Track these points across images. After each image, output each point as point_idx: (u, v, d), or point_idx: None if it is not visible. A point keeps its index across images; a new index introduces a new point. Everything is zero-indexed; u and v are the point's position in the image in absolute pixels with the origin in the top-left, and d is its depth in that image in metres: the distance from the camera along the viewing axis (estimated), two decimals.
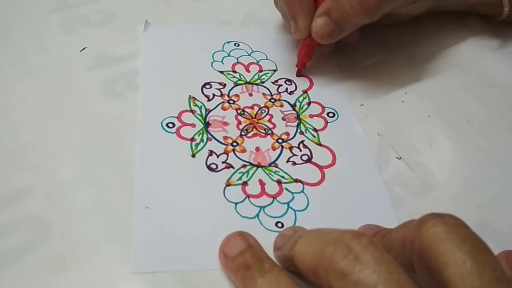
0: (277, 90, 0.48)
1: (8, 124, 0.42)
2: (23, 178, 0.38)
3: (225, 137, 0.43)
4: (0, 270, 0.33)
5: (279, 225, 0.38)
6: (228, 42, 0.52)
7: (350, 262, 0.25)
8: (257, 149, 0.42)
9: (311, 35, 0.46)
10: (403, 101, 0.49)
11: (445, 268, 0.25)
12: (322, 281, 0.27)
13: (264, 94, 0.47)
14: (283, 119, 0.45)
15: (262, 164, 0.41)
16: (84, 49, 0.49)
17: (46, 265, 0.34)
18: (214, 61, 0.49)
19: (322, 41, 0.46)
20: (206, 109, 0.45)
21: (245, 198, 0.39)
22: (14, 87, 0.45)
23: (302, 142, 0.44)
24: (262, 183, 0.40)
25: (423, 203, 0.41)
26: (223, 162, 0.41)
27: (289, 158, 0.42)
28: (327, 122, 0.46)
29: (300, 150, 0.43)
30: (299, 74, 0.50)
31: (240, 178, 0.40)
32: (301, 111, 0.46)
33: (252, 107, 0.46)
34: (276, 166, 0.41)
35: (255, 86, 0.48)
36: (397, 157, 0.43)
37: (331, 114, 0.46)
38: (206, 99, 0.46)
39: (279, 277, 0.30)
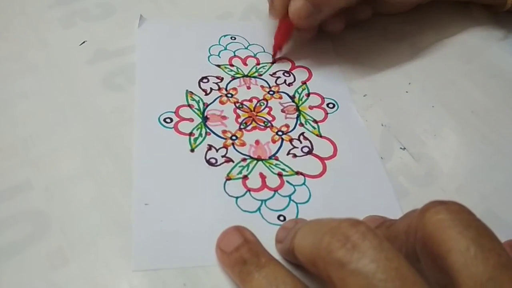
0: (276, 82, 0.47)
1: (8, 119, 0.42)
2: (23, 172, 0.38)
3: (224, 131, 0.42)
4: (0, 264, 0.33)
5: (281, 218, 0.37)
6: (225, 36, 0.51)
7: (348, 251, 0.24)
8: (257, 142, 0.42)
9: (288, 16, 0.45)
10: (407, 92, 0.48)
11: (448, 255, 0.25)
12: (321, 272, 0.26)
13: (262, 86, 0.47)
14: (283, 111, 0.45)
15: (262, 157, 0.41)
16: (84, 42, 0.49)
17: (46, 259, 0.34)
18: (211, 55, 0.49)
19: (300, 24, 0.45)
20: (204, 104, 0.44)
21: (246, 192, 0.38)
22: (14, 82, 0.45)
23: (302, 134, 0.43)
24: (262, 177, 0.39)
25: (428, 193, 0.40)
26: (222, 156, 0.40)
27: (290, 150, 0.42)
28: (327, 113, 0.45)
29: (301, 142, 0.42)
30: (274, 58, 0.49)
31: (240, 172, 0.40)
32: (300, 102, 0.46)
33: (250, 100, 0.45)
34: (277, 159, 0.41)
35: (253, 79, 0.47)
36: (401, 148, 0.43)
37: (331, 105, 0.46)
38: (204, 93, 0.45)
39: (276, 270, 0.30)
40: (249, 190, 0.39)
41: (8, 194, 0.37)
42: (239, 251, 0.32)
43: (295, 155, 0.41)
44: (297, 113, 0.45)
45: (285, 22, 0.47)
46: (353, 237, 0.25)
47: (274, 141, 0.42)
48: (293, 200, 0.38)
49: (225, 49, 0.50)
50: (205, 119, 0.43)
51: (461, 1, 0.57)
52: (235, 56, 0.49)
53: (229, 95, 0.45)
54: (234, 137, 0.42)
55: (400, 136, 0.44)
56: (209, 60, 0.48)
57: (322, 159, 0.41)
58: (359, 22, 0.51)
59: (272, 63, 0.49)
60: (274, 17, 0.47)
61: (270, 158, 0.41)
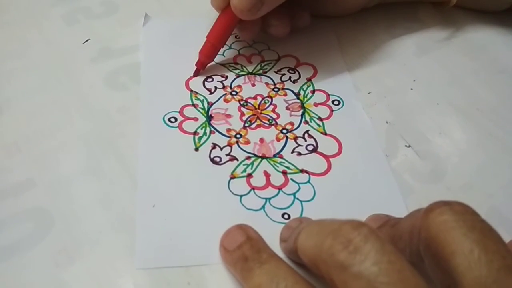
0: (280, 79, 0.47)
1: (12, 117, 0.42)
2: (26, 170, 0.38)
3: (228, 130, 0.42)
4: (4, 262, 0.33)
5: (286, 216, 0.37)
6: None
7: (350, 254, 0.24)
8: (261, 140, 0.42)
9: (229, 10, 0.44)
10: (411, 89, 0.48)
11: (452, 257, 0.25)
12: (323, 274, 0.26)
13: (267, 83, 0.46)
14: (287, 108, 0.44)
15: (267, 156, 0.41)
16: (87, 41, 0.49)
17: (50, 258, 0.34)
18: None
19: (243, 16, 0.43)
20: (208, 102, 0.44)
21: (250, 190, 0.38)
22: (17, 80, 0.45)
23: (307, 131, 0.43)
24: (267, 175, 0.39)
25: (433, 191, 0.40)
26: (227, 155, 0.40)
27: (294, 148, 0.41)
28: (332, 111, 0.45)
29: (305, 140, 0.42)
30: (195, 75, 0.47)
31: (244, 170, 0.39)
32: (305, 99, 0.45)
33: (255, 98, 0.45)
34: (281, 157, 0.41)
35: (257, 76, 0.47)
36: (406, 145, 0.43)
37: (336, 102, 0.45)
38: (208, 92, 0.45)
39: (277, 266, 0.30)
40: (253, 188, 0.38)
41: (11, 192, 0.37)
42: (241, 248, 0.32)
43: (299, 153, 0.41)
44: (302, 110, 0.44)
45: (226, 16, 0.45)
46: (355, 240, 0.24)
47: (278, 139, 0.42)
48: (297, 198, 0.38)
49: (230, 47, 0.50)
50: (209, 118, 0.43)
51: (408, 1, 0.56)
52: (239, 54, 0.49)
53: (233, 93, 0.45)
54: (238, 135, 0.42)
55: (405, 133, 0.43)
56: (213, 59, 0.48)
57: (327, 157, 0.41)
58: (298, 29, 0.50)
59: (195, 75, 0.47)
60: (216, 7, 0.46)
61: (274, 156, 0.41)
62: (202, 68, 0.47)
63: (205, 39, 0.46)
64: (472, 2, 0.55)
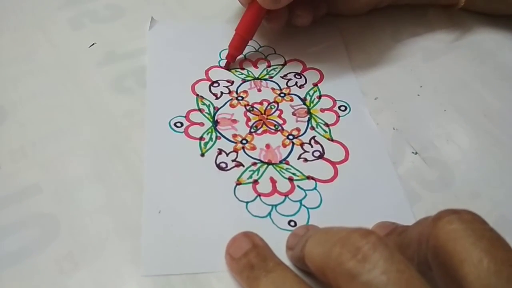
0: (287, 84, 0.47)
1: (17, 121, 0.42)
2: (32, 176, 0.38)
3: (234, 135, 0.42)
4: (9, 268, 0.33)
5: (292, 223, 0.37)
6: None
7: (359, 262, 0.24)
8: (267, 146, 0.42)
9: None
10: (418, 95, 0.47)
11: (460, 267, 0.25)
12: (331, 283, 0.26)
13: (273, 89, 0.46)
14: (294, 114, 0.44)
15: (273, 162, 0.40)
16: (93, 44, 0.49)
17: (55, 264, 0.34)
18: (221, 59, 0.48)
19: (266, 5, 0.44)
20: (214, 108, 0.44)
21: (256, 197, 0.38)
22: (23, 84, 0.45)
23: (313, 137, 0.43)
24: (273, 181, 0.39)
25: (440, 199, 0.39)
26: (232, 161, 0.40)
27: (301, 154, 0.41)
28: (339, 116, 0.44)
29: (312, 146, 0.42)
30: (228, 68, 0.48)
31: (250, 177, 0.39)
32: (311, 105, 0.45)
33: (261, 103, 0.45)
34: (287, 163, 0.40)
35: (263, 81, 0.47)
36: (413, 152, 0.42)
37: (342, 108, 0.45)
38: (214, 97, 0.45)
39: (284, 275, 0.29)
40: (259, 195, 0.38)
41: (17, 198, 0.37)
42: (247, 256, 0.31)
43: (306, 160, 0.41)
44: (308, 116, 0.44)
45: (253, 8, 0.46)
46: (363, 248, 0.24)
47: (284, 145, 0.42)
48: (304, 205, 0.38)
49: None
50: (215, 123, 0.43)
51: (418, 4, 0.56)
52: (245, 59, 0.49)
53: (239, 98, 0.45)
54: (244, 141, 0.42)
55: (412, 140, 0.43)
56: (219, 64, 0.48)
57: (333, 164, 0.41)
58: (316, 20, 0.51)
59: (227, 68, 0.48)
60: (243, 2, 0.48)
61: (280, 162, 0.40)
62: (232, 61, 0.48)
63: (234, 31, 0.47)
64: (483, 4, 0.55)
